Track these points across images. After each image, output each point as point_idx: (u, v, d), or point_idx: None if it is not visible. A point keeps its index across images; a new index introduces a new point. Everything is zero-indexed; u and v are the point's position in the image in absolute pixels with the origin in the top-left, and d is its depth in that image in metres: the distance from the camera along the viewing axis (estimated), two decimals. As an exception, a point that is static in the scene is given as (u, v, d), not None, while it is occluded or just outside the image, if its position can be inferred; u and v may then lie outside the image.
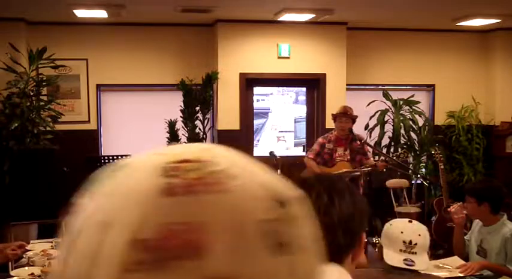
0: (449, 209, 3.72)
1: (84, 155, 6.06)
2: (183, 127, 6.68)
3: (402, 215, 5.94)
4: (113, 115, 7.07)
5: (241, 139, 6.95)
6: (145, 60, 6.97)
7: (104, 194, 0.50)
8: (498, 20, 6.75)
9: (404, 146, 7.11)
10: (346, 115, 5.40)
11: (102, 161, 5.91)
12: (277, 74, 6.95)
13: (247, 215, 0.45)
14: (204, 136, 6.74)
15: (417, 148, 7.17)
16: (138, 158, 0.52)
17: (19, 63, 6.16)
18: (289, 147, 7.58)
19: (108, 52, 6.89)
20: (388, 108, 7.18)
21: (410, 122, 7.12)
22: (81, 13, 5.95)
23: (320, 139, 5.58)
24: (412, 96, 7.30)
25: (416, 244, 2.11)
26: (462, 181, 7.19)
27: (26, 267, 3.20)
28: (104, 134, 7.07)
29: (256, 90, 7.30)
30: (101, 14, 6.02)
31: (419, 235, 2.13)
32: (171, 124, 6.59)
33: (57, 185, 5.57)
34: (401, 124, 7.04)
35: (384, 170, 5.61)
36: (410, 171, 6.53)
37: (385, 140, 7.10)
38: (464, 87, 7.68)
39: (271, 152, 5.45)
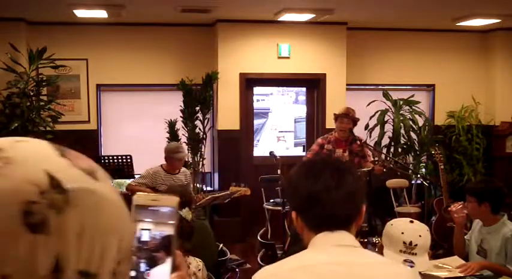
0: (450, 208, 3.72)
1: (84, 155, 6.05)
2: (183, 127, 6.68)
3: (402, 215, 5.93)
4: (113, 115, 7.06)
5: (241, 139, 6.95)
6: (145, 60, 6.97)
7: None
8: (498, 20, 6.75)
9: (404, 146, 7.11)
10: (347, 116, 5.39)
11: (102, 161, 5.90)
12: (277, 74, 6.95)
13: (16, 196, 0.53)
14: (204, 136, 6.74)
15: (417, 148, 7.16)
16: None
17: (19, 63, 6.16)
18: (289, 147, 7.58)
19: (108, 52, 6.89)
20: (388, 108, 7.17)
21: (410, 122, 7.11)
22: (81, 13, 5.95)
23: (319, 140, 5.58)
24: (412, 96, 7.30)
25: (416, 245, 2.10)
26: (462, 181, 7.19)
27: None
28: (104, 134, 7.07)
29: (256, 90, 7.30)
30: (101, 14, 6.02)
31: (420, 236, 2.12)
32: (171, 124, 6.59)
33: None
34: (401, 124, 7.04)
35: (384, 170, 5.60)
36: (410, 171, 6.53)
37: (385, 141, 7.10)
38: (464, 87, 7.68)
39: (271, 152, 5.45)
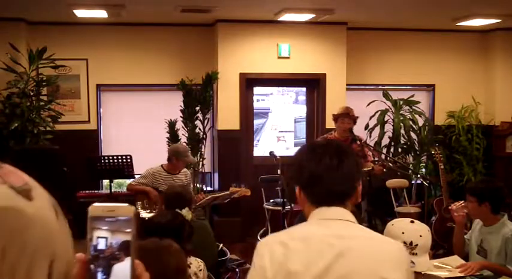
0: (450, 207, 3.72)
1: (84, 155, 6.05)
2: (183, 127, 6.68)
3: (402, 215, 5.93)
4: (113, 115, 7.06)
5: (241, 139, 6.95)
6: (146, 60, 6.97)
7: None
8: (498, 20, 6.75)
9: (404, 146, 7.11)
10: (348, 116, 5.39)
11: (102, 161, 5.90)
12: (277, 74, 6.95)
13: None
14: (204, 136, 6.74)
15: (417, 148, 7.16)
16: None
17: (19, 63, 6.16)
18: (289, 147, 7.58)
19: (108, 52, 6.89)
20: (388, 108, 7.18)
21: (410, 122, 7.11)
22: (81, 13, 5.95)
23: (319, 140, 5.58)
24: (412, 96, 7.30)
25: (417, 245, 2.10)
26: (462, 181, 7.19)
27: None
28: (104, 134, 7.07)
29: (256, 90, 7.30)
30: (101, 14, 6.02)
31: (421, 236, 2.12)
32: (171, 124, 6.59)
33: (57, 185, 5.57)
34: (401, 124, 7.04)
35: (384, 170, 5.60)
36: (410, 171, 6.53)
37: (385, 141, 7.10)
38: (464, 87, 7.68)
39: (271, 152, 5.45)
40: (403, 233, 2.13)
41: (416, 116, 7.16)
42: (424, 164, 7.36)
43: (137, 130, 7.06)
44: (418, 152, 7.17)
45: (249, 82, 6.95)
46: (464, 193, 3.53)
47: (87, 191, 6.34)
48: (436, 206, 5.96)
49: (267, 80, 7.12)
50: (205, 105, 6.68)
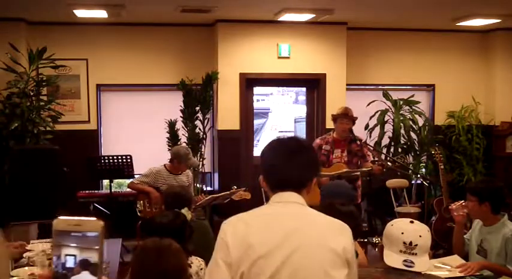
0: (450, 207, 3.72)
1: (84, 155, 6.06)
2: (183, 127, 6.68)
3: (402, 215, 5.93)
4: (112, 115, 7.06)
5: (241, 139, 6.95)
6: (146, 60, 6.97)
7: None
8: (498, 20, 6.75)
9: (404, 146, 7.11)
10: (347, 117, 5.38)
11: (102, 161, 5.90)
12: (277, 74, 6.95)
13: None
14: (204, 136, 6.74)
15: (417, 148, 7.16)
16: None
17: (19, 63, 6.16)
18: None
19: (108, 52, 6.89)
20: (388, 108, 7.18)
21: (410, 122, 7.11)
22: (81, 13, 5.95)
23: (317, 141, 5.57)
24: (412, 96, 7.30)
25: (416, 245, 2.10)
26: (462, 181, 7.19)
27: (26, 267, 3.20)
28: (104, 134, 7.07)
29: (256, 90, 7.30)
30: (101, 14, 6.02)
31: (420, 236, 2.12)
32: (171, 124, 6.59)
33: (57, 185, 5.57)
34: (401, 124, 7.04)
35: (383, 170, 5.60)
36: (410, 171, 6.53)
37: (385, 141, 7.10)
38: (464, 87, 7.68)
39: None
40: (402, 233, 2.13)
41: (416, 116, 7.16)
42: (424, 164, 7.36)
43: (137, 130, 7.06)
44: (418, 152, 7.17)
45: (249, 82, 6.96)
46: (464, 193, 3.53)
47: (87, 191, 6.34)
48: (436, 206, 5.96)
49: (267, 80, 7.12)
50: (205, 105, 6.68)
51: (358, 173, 5.45)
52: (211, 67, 6.83)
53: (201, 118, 6.72)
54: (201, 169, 6.78)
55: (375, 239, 4.39)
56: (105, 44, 6.89)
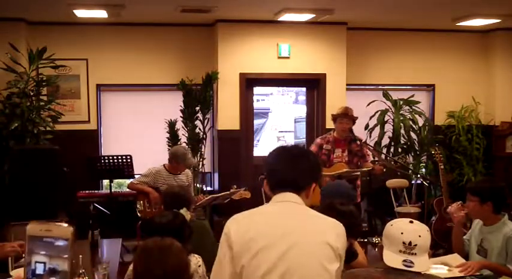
0: (448, 209, 3.72)
1: (84, 155, 6.05)
2: (183, 127, 6.68)
3: (402, 215, 5.93)
4: (112, 115, 7.06)
5: (241, 139, 6.95)
6: (146, 60, 6.97)
7: None
8: (498, 20, 6.74)
9: (404, 146, 7.11)
10: (347, 116, 5.38)
11: (102, 161, 5.90)
12: (277, 74, 6.95)
13: None
14: (204, 136, 6.74)
15: (417, 148, 7.16)
16: None
17: (19, 63, 6.16)
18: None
19: (108, 52, 6.89)
20: (388, 108, 7.17)
21: (410, 122, 7.11)
22: (81, 13, 5.95)
23: (318, 140, 5.57)
24: (412, 96, 7.30)
25: (416, 245, 2.09)
26: (462, 181, 7.19)
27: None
28: (104, 134, 7.07)
29: (256, 90, 7.30)
30: (101, 14, 6.02)
31: (420, 236, 2.11)
32: (171, 124, 6.59)
33: (57, 185, 5.57)
34: (401, 124, 7.04)
35: (384, 170, 5.60)
36: (410, 171, 6.53)
37: (385, 141, 7.10)
38: (464, 87, 7.68)
39: (271, 153, 5.44)
40: (402, 233, 2.12)
41: (416, 116, 7.16)
42: (424, 164, 7.36)
43: (137, 130, 7.06)
44: (418, 152, 7.16)
45: (249, 82, 6.95)
46: (465, 192, 3.53)
47: (87, 191, 6.34)
48: (436, 206, 5.96)
49: (267, 80, 7.12)
50: (205, 105, 6.68)
51: (359, 173, 5.46)
52: (211, 67, 6.83)
53: (201, 118, 6.72)
54: (201, 169, 6.78)
55: (375, 239, 4.39)
56: (105, 44, 6.89)
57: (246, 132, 7.06)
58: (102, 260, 3.35)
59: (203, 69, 6.76)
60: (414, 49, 7.61)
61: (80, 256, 2.86)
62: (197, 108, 6.69)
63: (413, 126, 7.12)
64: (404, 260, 2.10)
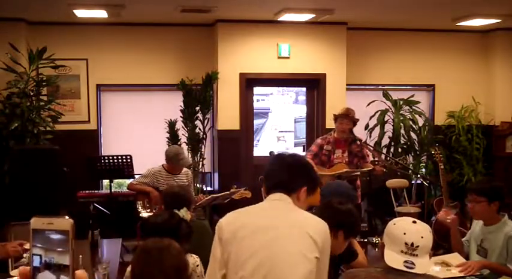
0: (437, 217, 3.71)
1: (84, 155, 6.05)
2: (183, 127, 6.68)
3: (402, 215, 5.89)
4: (112, 115, 7.06)
5: (241, 139, 6.95)
6: (146, 60, 6.97)
7: None
8: (498, 20, 6.74)
9: (404, 146, 7.11)
10: (347, 117, 5.38)
11: (102, 161, 5.90)
12: (277, 74, 6.95)
13: None
14: (204, 136, 6.74)
15: (417, 148, 7.16)
16: None
17: (19, 63, 6.16)
18: (289, 147, 7.58)
19: (108, 52, 6.89)
20: (388, 108, 7.17)
21: (410, 122, 7.11)
22: (81, 13, 5.95)
23: (318, 140, 5.57)
24: (412, 96, 7.30)
25: (418, 246, 2.08)
26: (462, 181, 7.19)
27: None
28: (104, 134, 7.07)
29: (256, 90, 7.30)
30: (101, 14, 6.02)
31: (422, 237, 2.09)
32: (171, 124, 6.59)
33: (57, 185, 5.57)
34: (401, 124, 7.04)
35: (384, 171, 5.60)
36: (410, 171, 6.53)
37: (385, 141, 7.10)
38: (464, 87, 7.68)
39: (271, 152, 5.45)
40: (404, 233, 2.10)
41: (416, 116, 7.16)
42: (424, 164, 7.36)
43: (137, 130, 7.06)
44: (418, 152, 7.16)
45: (249, 82, 6.95)
46: (464, 192, 3.52)
47: (87, 191, 6.34)
48: (436, 206, 5.96)
49: (267, 80, 7.12)
50: (205, 105, 6.68)
51: (359, 173, 5.46)
52: (211, 67, 6.83)
53: (201, 118, 6.72)
54: (201, 169, 6.78)
55: (375, 239, 4.39)
56: (105, 43, 6.88)
57: (246, 132, 7.06)
58: (102, 260, 3.34)
59: (203, 69, 6.76)
60: (414, 49, 7.61)
61: (80, 256, 2.86)
62: (197, 108, 6.69)
63: (413, 126, 7.12)
64: (405, 261, 2.09)
